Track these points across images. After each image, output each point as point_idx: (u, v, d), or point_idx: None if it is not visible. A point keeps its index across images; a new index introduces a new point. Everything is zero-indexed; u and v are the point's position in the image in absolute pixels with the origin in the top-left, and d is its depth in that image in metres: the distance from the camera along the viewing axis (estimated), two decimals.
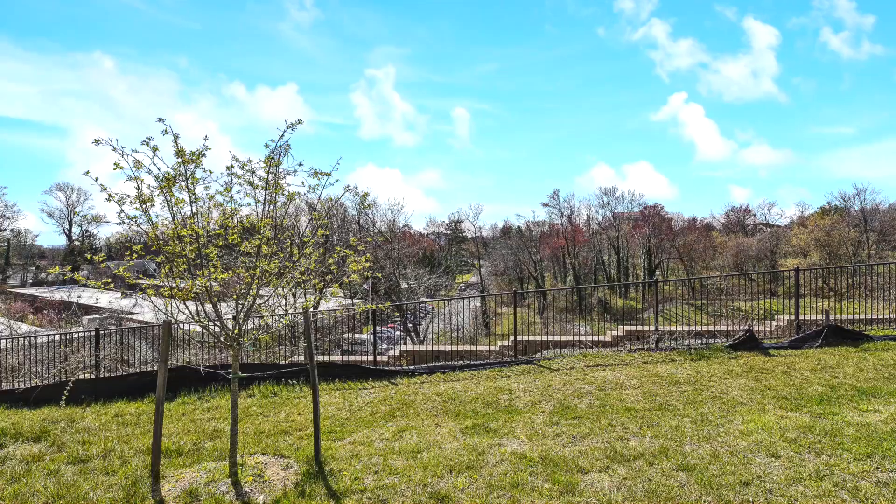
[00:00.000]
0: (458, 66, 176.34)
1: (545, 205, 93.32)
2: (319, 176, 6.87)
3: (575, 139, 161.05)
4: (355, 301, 47.46)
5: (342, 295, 49.22)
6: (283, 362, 13.98)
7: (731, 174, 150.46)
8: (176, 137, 6.25)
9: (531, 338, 15.07)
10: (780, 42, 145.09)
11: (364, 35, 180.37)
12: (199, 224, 6.61)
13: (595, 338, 14.88)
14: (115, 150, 6.09)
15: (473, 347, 15.06)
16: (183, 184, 6.40)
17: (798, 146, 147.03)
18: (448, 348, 14.85)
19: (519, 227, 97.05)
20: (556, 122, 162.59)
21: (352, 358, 14.93)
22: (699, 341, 13.04)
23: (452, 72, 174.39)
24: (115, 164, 6.13)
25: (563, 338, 14.87)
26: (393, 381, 11.60)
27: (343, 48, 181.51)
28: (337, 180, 6.96)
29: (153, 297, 6.95)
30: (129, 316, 40.59)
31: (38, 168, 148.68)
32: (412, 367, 12.73)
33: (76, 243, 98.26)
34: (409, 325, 48.96)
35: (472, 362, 12.82)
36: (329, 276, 7.85)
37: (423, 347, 15.45)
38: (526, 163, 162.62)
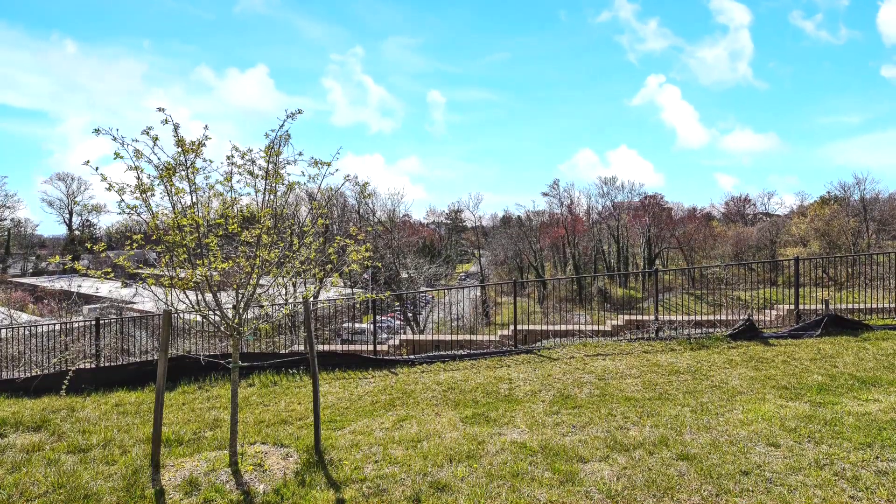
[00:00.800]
0: (464, 57, 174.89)
1: (545, 194, 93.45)
2: (319, 165, 6.86)
3: (562, 128, 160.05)
4: (355, 290, 47.47)
5: (342, 284, 49.27)
6: (283, 352, 13.99)
7: (718, 163, 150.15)
8: (176, 127, 6.23)
9: (531, 327, 15.08)
10: (754, 23, 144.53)
11: (377, 24, 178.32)
12: (200, 213, 6.60)
13: (595, 327, 14.88)
14: (115, 139, 6.07)
15: (473, 337, 15.07)
16: (183, 173, 6.38)
17: (785, 135, 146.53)
18: (448, 338, 14.85)
19: (519, 216, 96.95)
20: (546, 112, 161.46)
21: (352, 347, 14.94)
22: (699, 331, 13.05)
23: (461, 62, 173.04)
24: (115, 153, 6.11)
25: (563, 327, 14.87)
26: (393, 370, 11.62)
27: (327, 35, 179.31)
28: (337, 170, 6.95)
29: (153, 287, 6.94)
30: (130, 305, 40.66)
31: (19, 155, 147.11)
32: (412, 356, 12.75)
33: (76, 233, 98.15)
34: (409, 314, 48.97)
35: (472, 352, 12.83)
36: (329, 266, 7.84)
37: (423, 337, 15.44)
38: (519, 153, 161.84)
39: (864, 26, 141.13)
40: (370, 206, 68.44)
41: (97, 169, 6.22)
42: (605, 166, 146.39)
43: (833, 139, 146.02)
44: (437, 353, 12.86)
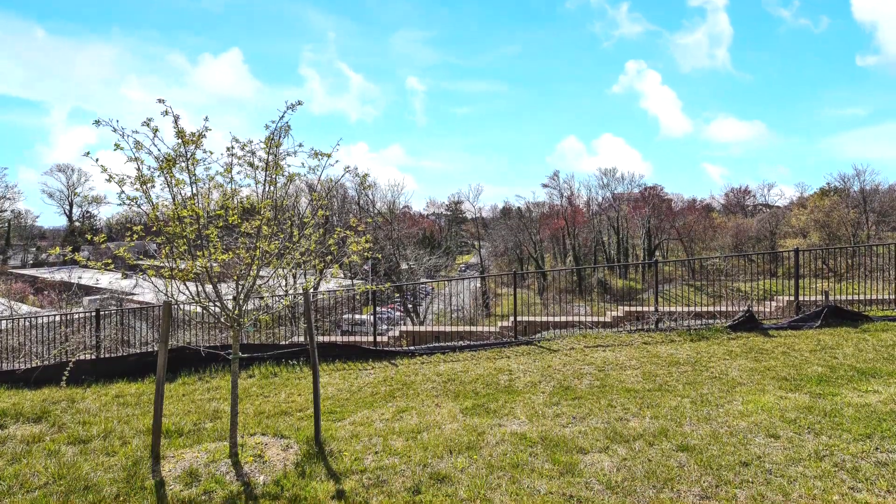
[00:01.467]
0: (469, 50, 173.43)
1: (545, 185, 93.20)
2: (319, 157, 6.86)
3: (553, 119, 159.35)
4: (355, 282, 47.45)
5: (342, 276, 49.28)
6: (284, 343, 13.99)
7: (706, 152, 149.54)
8: (176, 118, 6.22)
9: (531, 318, 15.09)
10: (731, 8, 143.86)
11: (388, 17, 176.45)
12: (200, 205, 6.60)
13: (595, 318, 14.89)
14: (115, 130, 6.07)
15: (473, 328, 15.08)
16: (183, 165, 6.38)
17: (775, 125, 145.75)
18: (448, 329, 14.86)
19: (519, 207, 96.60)
20: (543, 103, 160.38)
21: (352, 339, 14.94)
22: (699, 322, 13.04)
23: (466, 55, 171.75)
24: (115, 144, 6.12)
25: (563, 318, 14.88)
26: (393, 361, 11.62)
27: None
28: (337, 161, 6.92)
29: (154, 278, 6.95)
30: (130, 297, 40.63)
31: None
32: (412, 347, 12.75)
33: (77, 224, 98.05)
34: (409, 305, 48.95)
35: (472, 343, 12.82)
36: (329, 257, 7.84)
37: (423, 328, 15.44)
38: (517, 146, 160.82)
39: (842, 15, 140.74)
40: (370, 197, 68.41)
41: (97, 160, 6.23)
42: (592, 155, 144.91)
43: (831, 131, 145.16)
44: (437, 345, 12.85)
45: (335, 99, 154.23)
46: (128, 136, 6.13)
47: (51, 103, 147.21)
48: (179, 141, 6.31)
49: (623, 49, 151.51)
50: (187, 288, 6.70)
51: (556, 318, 14.79)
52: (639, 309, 15.31)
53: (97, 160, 6.23)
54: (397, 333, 15.20)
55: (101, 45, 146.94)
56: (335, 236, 7.59)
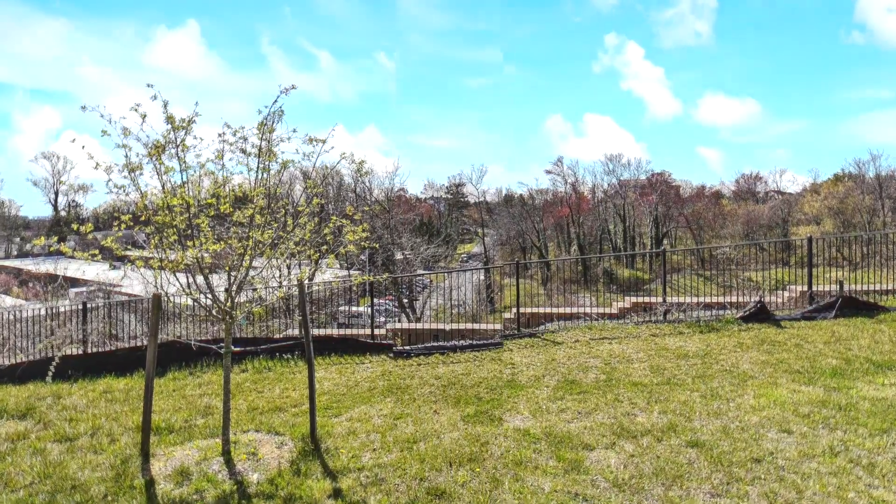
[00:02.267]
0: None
1: (548, 172, 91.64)
2: (314, 143, 6.77)
3: (533, 96, 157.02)
4: (352, 272, 47.32)
5: (338, 266, 49.23)
6: (278, 336, 13.80)
7: (700, 134, 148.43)
8: (165, 104, 6.10)
9: (534, 310, 14.94)
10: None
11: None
12: (190, 193, 6.49)
13: (600, 310, 14.70)
14: (102, 116, 6.01)
15: (476, 325, 14.86)
16: (173, 151, 6.25)
17: (765, 102, 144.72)
18: (448, 326, 14.57)
19: (521, 195, 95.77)
20: (547, 84, 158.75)
21: (348, 331, 14.82)
22: (708, 313, 12.83)
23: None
24: (102, 131, 6.01)
25: (568, 310, 14.70)
26: (391, 354, 11.45)
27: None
28: (333, 147, 6.78)
29: (142, 269, 6.82)
30: (118, 289, 40.36)
31: None
32: (408, 347, 12.43)
33: (62, 213, 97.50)
34: (405, 300, 47.70)
35: (474, 342, 12.56)
36: (325, 247, 7.68)
37: (419, 326, 15.22)
38: (515, 128, 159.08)
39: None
40: (367, 184, 67.55)
41: (84, 147, 6.15)
42: (579, 136, 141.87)
43: (837, 113, 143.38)
44: (435, 345, 12.59)
45: (300, 76, 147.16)
46: (115, 122, 6.04)
47: (7, 85, 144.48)
48: (169, 127, 6.18)
49: (601, 24, 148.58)
50: (177, 279, 6.57)
51: (561, 310, 14.59)
52: (646, 300, 15.15)
53: (83, 147, 6.17)
54: (390, 331, 14.92)
55: (48, 21, 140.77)
56: (331, 225, 7.43)
